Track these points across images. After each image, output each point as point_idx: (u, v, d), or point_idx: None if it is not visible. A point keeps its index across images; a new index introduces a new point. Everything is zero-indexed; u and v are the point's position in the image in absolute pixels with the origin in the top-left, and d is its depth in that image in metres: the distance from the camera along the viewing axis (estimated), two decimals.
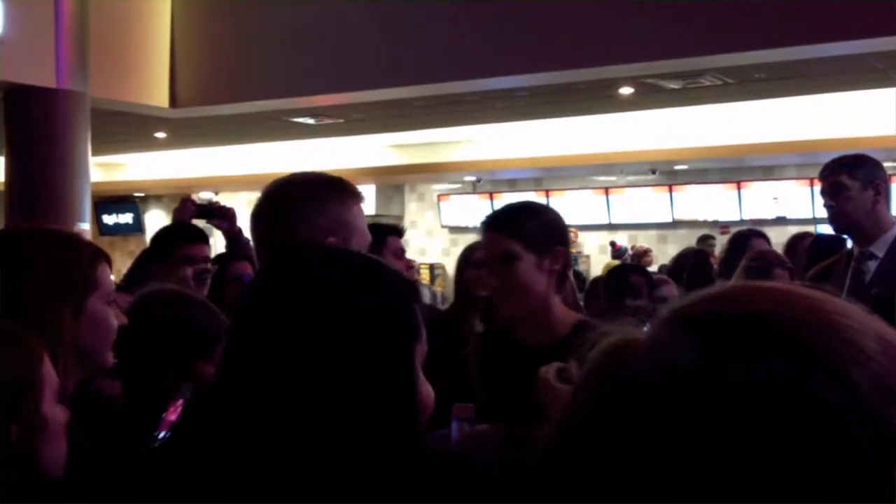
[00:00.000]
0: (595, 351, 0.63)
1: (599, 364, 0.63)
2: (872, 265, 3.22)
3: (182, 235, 3.43)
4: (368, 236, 1.81)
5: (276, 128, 9.54)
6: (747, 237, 4.73)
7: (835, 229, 3.63)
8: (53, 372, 1.39)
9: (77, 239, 1.77)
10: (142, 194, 15.69)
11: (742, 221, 11.25)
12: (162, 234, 3.58)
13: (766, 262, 3.81)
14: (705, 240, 9.87)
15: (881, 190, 3.24)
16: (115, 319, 1.71)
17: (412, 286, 1.20)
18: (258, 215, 1.82)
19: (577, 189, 13.25)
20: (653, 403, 0.57)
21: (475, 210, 14.17)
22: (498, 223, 2.14)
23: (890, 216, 3.31)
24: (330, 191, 1.76)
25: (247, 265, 3.63)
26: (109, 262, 1.77)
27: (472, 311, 3.41)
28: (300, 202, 1.75)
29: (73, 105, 6.62)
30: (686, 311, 0.62)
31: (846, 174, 3.23)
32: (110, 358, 1.72)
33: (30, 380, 1.34)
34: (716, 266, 5.18)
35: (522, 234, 2.09)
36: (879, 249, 3.22)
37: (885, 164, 3.79)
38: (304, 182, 1.81)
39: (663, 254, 11.55)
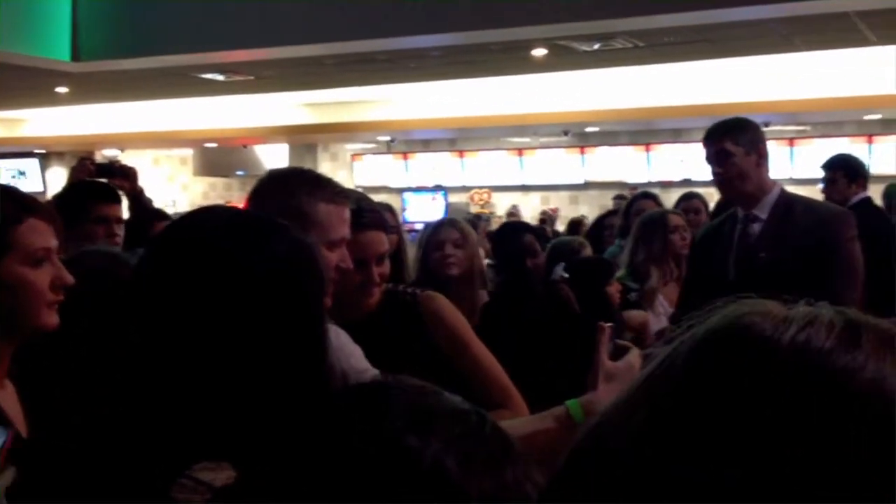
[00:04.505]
0: (712, 326, 0.60)
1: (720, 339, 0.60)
2: (757, 227, 3.32)
3: (93, 194, 3.20)
4: (337, 234, 1.85)
5: (184, 84, 9.29)
6: (636, 200, 5.09)
7: (723, 195, 3.72)
8: None
9: None
10: (43, 151, 15.17)
11: (650, 183, 11.48)
12: (68, 195, 3.33)
13: (654, 225, 4.19)
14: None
15: (763, 153, 3.32)
16: (42, 278, 1.63)
17: (311, 241, 1.25)
18: (249, 197, 1.96)
19: (490, 150, 13.30)
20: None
21: (389, 170, 14.13)
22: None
23: (770, 179, 3.40)
24: (304, 185, 1.87)
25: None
26: (46, 216, 1.70)
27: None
28: (273, 189, 1.89)
29: None
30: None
31: (730, 141, 3.28)
32: (47, 319, 1.64)
33: None
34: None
35: None
36: (762, 212, 3.32)
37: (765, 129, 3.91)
38: (289, 174, 1.99)
39: (574, 214, 11.75)
